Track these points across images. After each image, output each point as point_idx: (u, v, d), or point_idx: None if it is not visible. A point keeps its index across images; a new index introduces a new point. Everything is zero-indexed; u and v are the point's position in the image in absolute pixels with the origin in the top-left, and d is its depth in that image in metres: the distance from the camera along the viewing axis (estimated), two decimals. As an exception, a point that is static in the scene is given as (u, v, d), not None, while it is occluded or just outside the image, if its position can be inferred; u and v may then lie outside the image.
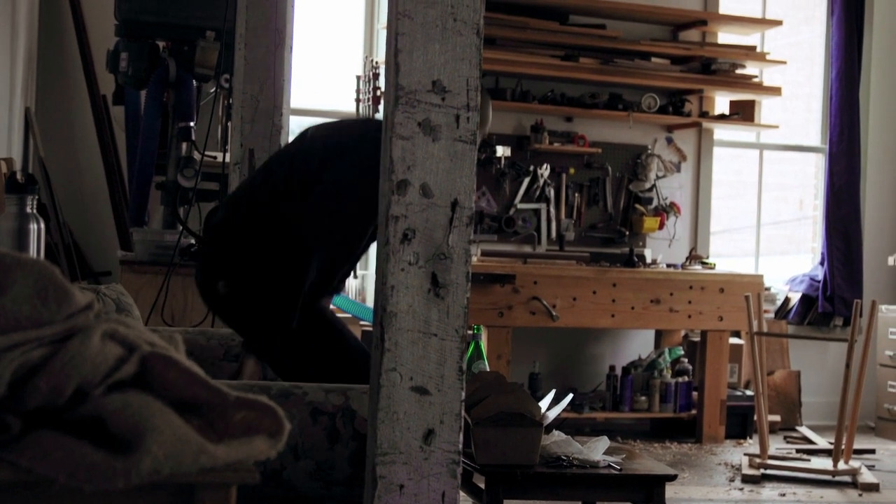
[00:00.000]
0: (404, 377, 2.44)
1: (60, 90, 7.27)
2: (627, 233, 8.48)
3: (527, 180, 8.26)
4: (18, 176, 4.75)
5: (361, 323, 7.47)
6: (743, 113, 8.64)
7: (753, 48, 8.70)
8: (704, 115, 8.59)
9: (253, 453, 1.65)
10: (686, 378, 8.07)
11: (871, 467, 7.12)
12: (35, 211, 4.68)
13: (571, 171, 8.34)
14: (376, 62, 7.75)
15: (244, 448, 1.64)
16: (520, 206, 8.22)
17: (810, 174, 9.64)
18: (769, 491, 6.43)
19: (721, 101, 8.78)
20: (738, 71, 8.53)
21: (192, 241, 5.49)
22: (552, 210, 8.32)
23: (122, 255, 5.80)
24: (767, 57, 8.69)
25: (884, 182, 9.33)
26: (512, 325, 7.44)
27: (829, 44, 9.16)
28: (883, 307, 8.48)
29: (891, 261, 8.37)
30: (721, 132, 8.97)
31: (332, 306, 4.33)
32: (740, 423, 8.12)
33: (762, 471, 6.74)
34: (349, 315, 7.51)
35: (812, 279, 9.04)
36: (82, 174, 7.29)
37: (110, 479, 1.51)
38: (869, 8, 9.12)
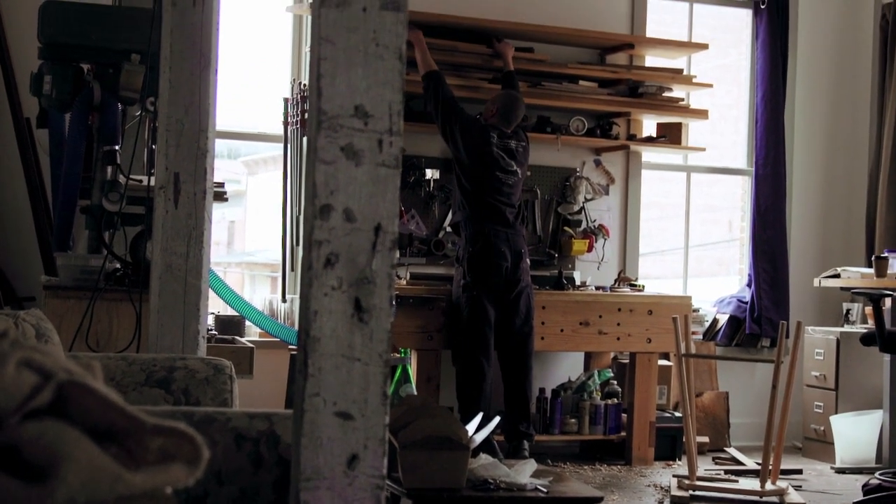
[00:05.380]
0: (328, 402, 2.42)
1: (-16, 113, 7.19)
2: (556, 255, 8.51)
3: (456, 203, 8.26)
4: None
5: (290, 347, 7.43)
6: (670, 136, 8.70)
7: (680, 71, 8.78)
8: (632, 137, 8.65)
9: (171, 480, 1.63)
10: (615, 400, 8.10)
11: (798, 487, 7.18)
12: (-44, 236, 4.62)
13: (500, 193, 8.35)
14: (304, 85, 7.73)
15: (161, 475, 1.62)
16: (449, 228, 8.19)
17: (738, 196, 9.73)
18: (697, 512, 6.47)
19: (649, 124, 8.84)
20: (666, 94, 8.59)
21: (118, 266, 5.44)
22: (481, 233, 8.32)
23: (46, 279, 5.73)
24: (694, 80, 8.77)
25: (808, 204, 9.44)
26: (441, 348, 7.43)
27: (755, 67, 9.26)
28: (809, 328, 8.57)
29: (816, 282, 8.46)
30: (649, 155, 9.04)
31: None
32: (669, 445, 8.16)
33: (691, 492, 6.77)
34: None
35: (739, 300, 9.12)
36: (5, 198, 7.20)
37: (24, 510, 1.49)
38: (793, 31, 9.24)
